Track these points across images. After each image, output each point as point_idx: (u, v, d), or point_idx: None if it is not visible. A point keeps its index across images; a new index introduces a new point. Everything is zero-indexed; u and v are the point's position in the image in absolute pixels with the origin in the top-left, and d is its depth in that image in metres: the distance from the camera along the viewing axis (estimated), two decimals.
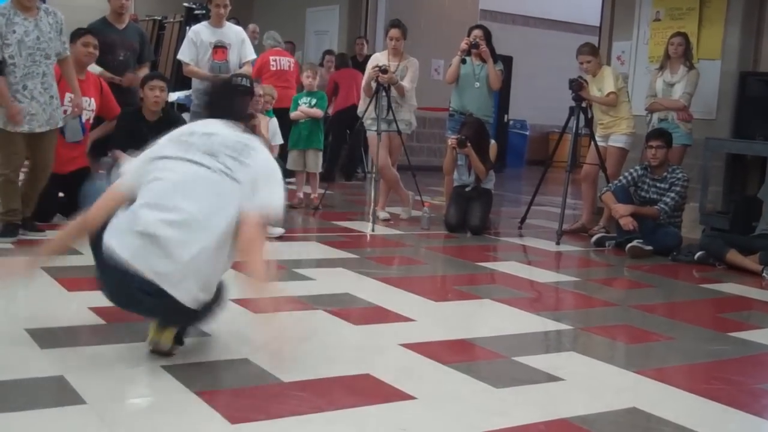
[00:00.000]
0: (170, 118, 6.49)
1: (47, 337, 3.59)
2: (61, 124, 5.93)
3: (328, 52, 12.13)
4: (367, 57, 10.16)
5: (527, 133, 17.19)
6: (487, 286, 5.51)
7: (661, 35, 8.59)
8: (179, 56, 7.32)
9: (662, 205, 6.85)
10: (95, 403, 2.87)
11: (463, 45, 7.74)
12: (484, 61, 7.70)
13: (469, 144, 7.22)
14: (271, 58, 10.12)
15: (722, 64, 8.30)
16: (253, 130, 6.35)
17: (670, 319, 4.93)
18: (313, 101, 8.42)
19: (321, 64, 11.59)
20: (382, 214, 7.83)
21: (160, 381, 3.16)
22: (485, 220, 7.47)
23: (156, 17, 13.57)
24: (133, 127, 6.37)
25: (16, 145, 5.63)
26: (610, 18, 9.70)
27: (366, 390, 3.21)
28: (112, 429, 2.70)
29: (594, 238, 7.30)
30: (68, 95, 6.15)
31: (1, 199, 5.73)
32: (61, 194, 6.53)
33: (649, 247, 6.75)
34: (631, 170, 7.15)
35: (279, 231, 6.46)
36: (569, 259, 6.85)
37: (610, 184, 7.19)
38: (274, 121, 7.62)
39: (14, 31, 5.49)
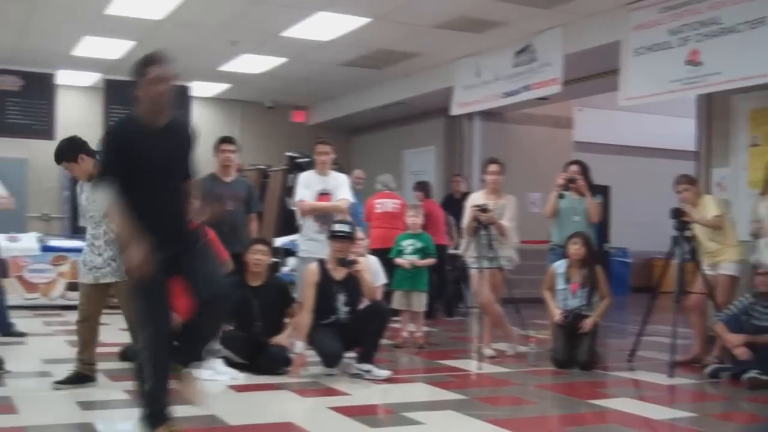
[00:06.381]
0: (275, 285, 6.74)
1: None
2: None
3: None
4: (465, 194, 10.32)
5: (629, 260, 17.00)
6: (599, 426, 5.38)
7: (760, 160, 8.47)
8: (296, 199, 7.68)
9: None
10: None
11: (560, 180, 7.84)
12: (582, 195, 7.77)
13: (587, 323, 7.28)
14: (376, 201, 10.39)
15: None
16: (356, 275, 6.57)
17: None
18: (419, 244, 8.46)
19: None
20: (487, 351, 7.78)
21: None
22: (593, 353, 7.34)
23: (261, 166, 14.22)
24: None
25: (85, 296, 6.01)
26: (707, 145, 9.67)
27: None
28: None
29: (708, 370, 7.08)
30: None
31: (78, 342, 6.02)
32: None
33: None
34: (741, 298, 6.99)
35: (386, 373, 6.48)
36: (684, 393, 6.65)
37: (721, 314, 7.02)
38: (373, 260, 7.73)
39: (79, 195, 6.10)
